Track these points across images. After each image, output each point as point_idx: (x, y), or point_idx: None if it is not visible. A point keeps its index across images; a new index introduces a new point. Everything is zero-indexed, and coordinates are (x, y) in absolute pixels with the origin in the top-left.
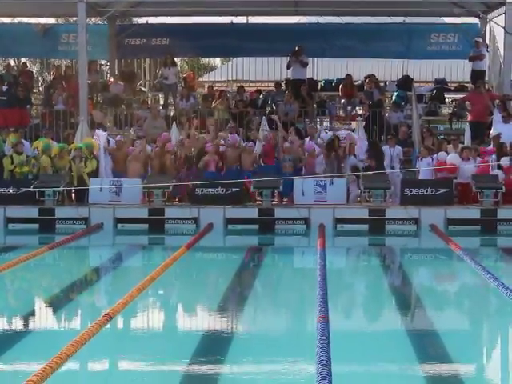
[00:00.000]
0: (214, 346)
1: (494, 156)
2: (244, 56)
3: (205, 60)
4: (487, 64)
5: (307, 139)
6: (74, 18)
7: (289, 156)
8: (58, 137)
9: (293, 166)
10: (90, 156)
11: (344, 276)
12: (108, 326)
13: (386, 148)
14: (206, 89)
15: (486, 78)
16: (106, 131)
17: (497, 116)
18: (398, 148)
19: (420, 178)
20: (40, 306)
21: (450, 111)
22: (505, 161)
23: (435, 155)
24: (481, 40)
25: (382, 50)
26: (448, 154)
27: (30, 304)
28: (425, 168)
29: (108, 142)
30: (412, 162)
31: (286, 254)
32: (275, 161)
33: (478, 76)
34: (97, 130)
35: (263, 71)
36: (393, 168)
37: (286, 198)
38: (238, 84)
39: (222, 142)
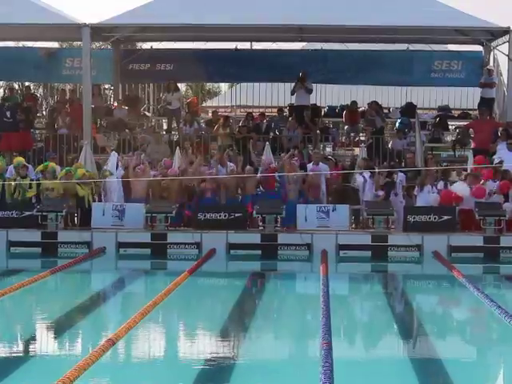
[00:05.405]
0: (215, 373)
1: (492, 182)
2: (248, 82)
3: (209, 85)
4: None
5: (310, 164)
6: (79, 43)
7: (294, 185)
8: (62, 161)
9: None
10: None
11: (347, 302)
12: (110, 351)
13: None
14: (210, 114)
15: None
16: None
17: (500, 144)
18: (402, 175)
19: (421, 205)
20: (42, 331)
21: (453, 138)
22: None
23: (440, 182)
24: (493, 68)
25: (385, 76)
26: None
27: (32, 328)
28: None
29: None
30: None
31: (288, 279)
32: (276, 185)
33: (486, 103)
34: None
35: (267, 97)
36: (396, 195)
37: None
38: (242, 109)
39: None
